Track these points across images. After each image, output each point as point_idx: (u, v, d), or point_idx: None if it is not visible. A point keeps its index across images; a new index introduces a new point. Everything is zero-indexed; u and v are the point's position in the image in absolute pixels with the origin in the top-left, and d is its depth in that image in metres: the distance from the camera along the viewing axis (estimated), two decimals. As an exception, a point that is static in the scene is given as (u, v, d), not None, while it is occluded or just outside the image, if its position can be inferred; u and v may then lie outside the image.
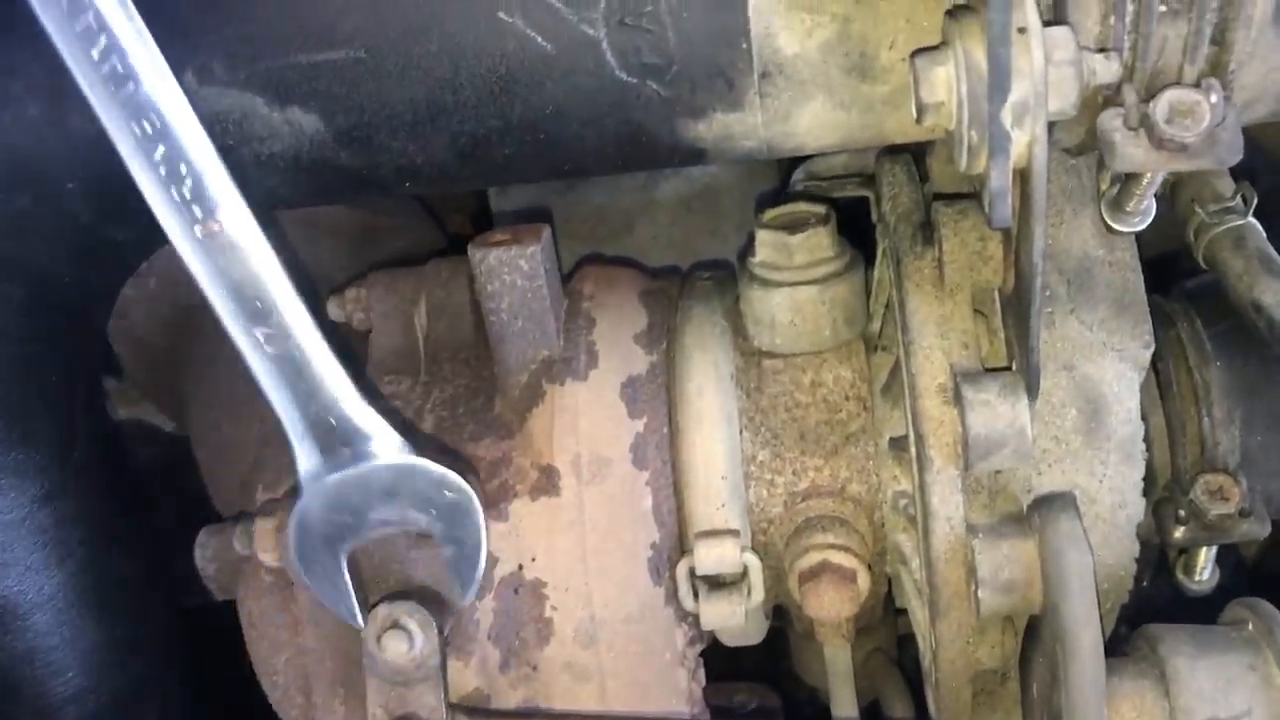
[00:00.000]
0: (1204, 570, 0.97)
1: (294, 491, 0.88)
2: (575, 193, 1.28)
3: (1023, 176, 0.68)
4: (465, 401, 1.00)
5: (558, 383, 0.95)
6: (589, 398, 0.95)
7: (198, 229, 0.76)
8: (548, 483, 0.93)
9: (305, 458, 0.81)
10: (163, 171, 0.75)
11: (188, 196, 0.76)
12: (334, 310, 1.12)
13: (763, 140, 0.81)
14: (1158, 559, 1.03)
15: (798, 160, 1.13)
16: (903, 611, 1.08)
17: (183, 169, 0.75)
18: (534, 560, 0.92)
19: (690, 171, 1.28)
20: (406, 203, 1.41)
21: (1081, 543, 0.78)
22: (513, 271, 0.94)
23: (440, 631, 0.86)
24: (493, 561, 0.92)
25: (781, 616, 1.11)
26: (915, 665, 1.13)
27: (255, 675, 1.10)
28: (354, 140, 0.81)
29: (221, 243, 0.77)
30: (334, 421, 0.80)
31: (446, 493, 0.83)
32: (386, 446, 0.81)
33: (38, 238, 0.89)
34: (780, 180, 1.26)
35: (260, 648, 0.98)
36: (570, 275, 1.05)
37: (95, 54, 0.72)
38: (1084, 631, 0.75)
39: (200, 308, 1.24)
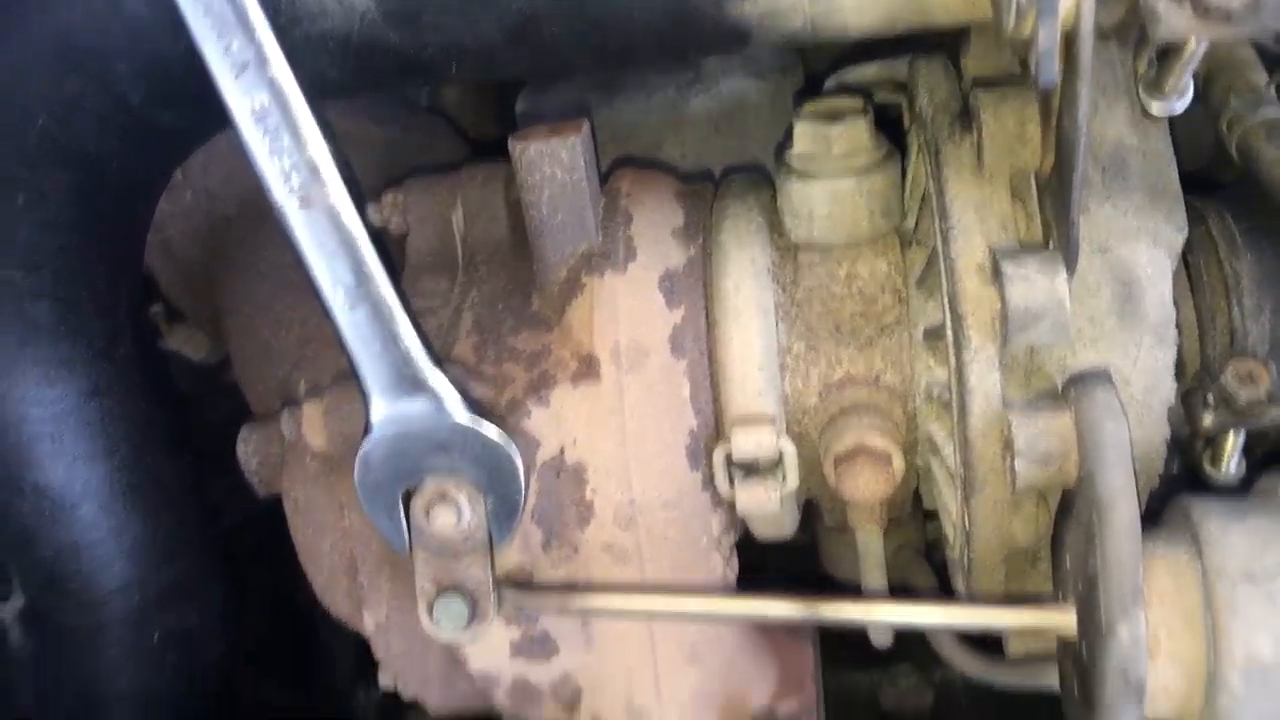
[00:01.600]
0: (1231, 460, 0.98)
1: (346, 391, 0.95)
2: (604, 110, 1.30)
3: (1068, 39, 0.69)
4: (504, 299, 1.02)
5: (597, 275, 0.97)
6: (627, 289, 0.96)
7: (297, 198, 0.84)
8: (588, 371, 0.95)
9: (378, 407, 0.88)
10: (268, 141, 0.83)
11: (288, 166, 0.84)
12: (373, 215, 1.14)
13: (807, 18, 0.82)
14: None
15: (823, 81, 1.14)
16: (932, 514, 1.11)
17: (285, 140, 0.83)
18: (575, 444, 0.94)
19: (719, 89, 1.29)
20: (433, 120, 1.42)
21: (1118, 413, 0.80)
22: (553, 164, 0.95)
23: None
24: (535, 445, 0.94)
25: (810, 517, 1.13)
26: (941, 567, 1.16)
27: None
28: (403, 19, 0.82)
29: (319, 210, 0.85)
30: (408, 378, 0.88)
31: (496, 455, 0.89)
32: (451, 406, 0.89)
33: (88, 122, 0.90)
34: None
35: (305, 534, 1.00)
36: (606, 175, 1.07)
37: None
38: (1120, 498, 0.77)
39: (237, 219, 1.29)
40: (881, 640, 1.11)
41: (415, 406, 0.88)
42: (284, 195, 0.84)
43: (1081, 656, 0.81)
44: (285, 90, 0.82)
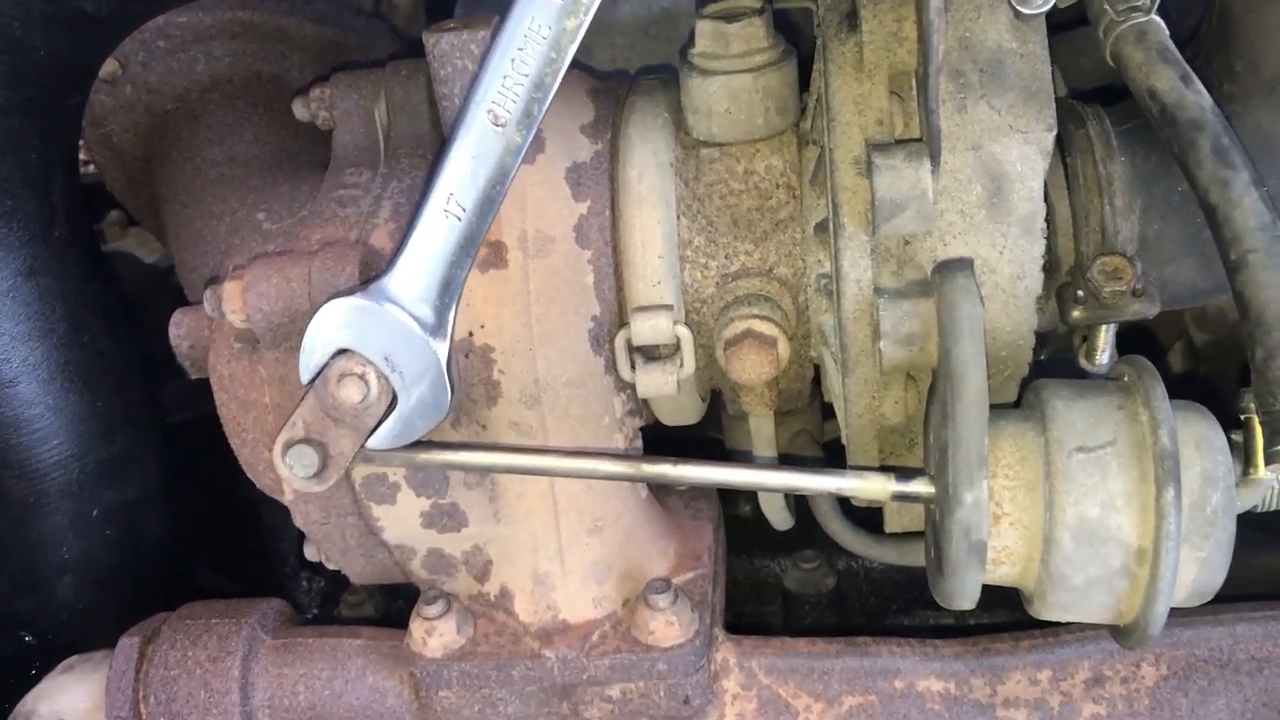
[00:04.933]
0: (1103, 353, 1.05)
1: (266, 269, 0.99)
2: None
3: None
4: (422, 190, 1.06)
5: (507, 165, 1.01)
6: (535, 180, 1.01)
7: (494, 115, 0.87)
8: (496, 257, 1.00)
9: (400, 284, 0.90)
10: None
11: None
12: (299, 110, 1.18)
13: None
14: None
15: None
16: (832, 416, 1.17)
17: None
18: (483, 327, 1.00)
19: (649, -4, 1.33)
20: (374, 23, 1.45)
21: (974, 296, 0.86)
22: (464, 56, 0.98)
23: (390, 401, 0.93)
24: (445, 327, 0.99)
25: (718, 406, 1.20)
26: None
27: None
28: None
29: (504, 137, 0.87)
30: (439, 293, 0.90)
31: (433, 397, 0.92)
32: (439, 343, 0.91)
33: (12, 9, 0.94)
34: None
35: (230, 408, 1.05)
36: (523, 74, 1.11)
37: None
38: (970, 372, 0.83)
39: (174, 114, 1.33)
40: (779, 522, 1.18)
41: (419, 310, 0.90)
42: (483, 104, 0.87)
43: (935, 523, 0.88)
44: None
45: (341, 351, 0.90)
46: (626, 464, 0.94)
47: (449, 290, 0.90)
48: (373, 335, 0.90)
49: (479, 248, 0.90)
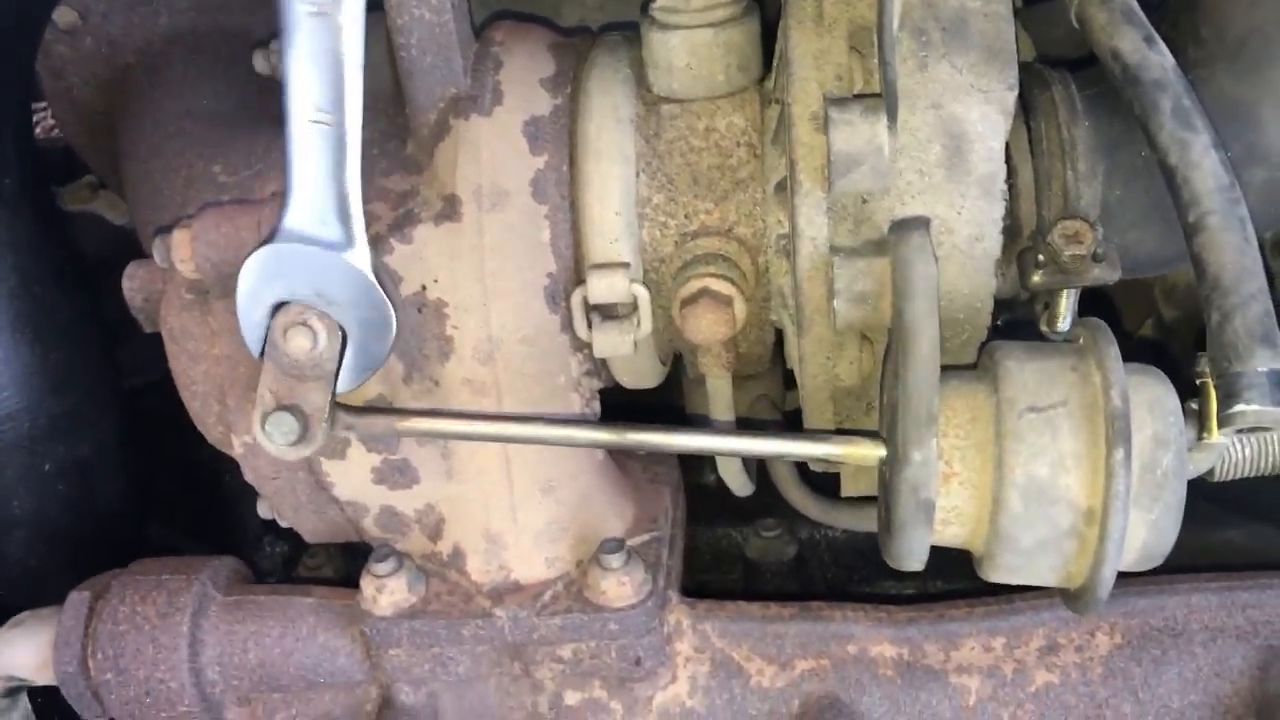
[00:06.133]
0: (1065, 319, 1.04)
1: (214, 219, 0.97)
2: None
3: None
4: (380, 143, 1.05)
5: (463, 118, 1.00)
6: (492, 133, 1.00)
7: (312, 4, 0.85)
8: (450, 210, 0.99)
9: (290, 219, 0.90)
10: None
11: None
12: (259, 63, 1.16)
13: None
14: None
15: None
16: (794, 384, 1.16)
17: None
18: (436, 282, 0.99)
19: (620, -43, 1.31)
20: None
21: (927, 255, 0.85)
22: (421, 5, 0.97)
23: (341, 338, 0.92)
24: (397, 281, 0.98)
25: (680, 371, 1.19)
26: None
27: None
28: None
29: (327, 22, 0.86)
30: (332, 209, 0.90)
31: (374, 306, 0.92)
32: (358, 250, 0.91)
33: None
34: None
35: (180, 360, 1.04)
36: (484, 27, 1.09)
37: None
38: (922, 330, 0.82)
39: (135, 67, 1.31)
40: (738, 488, 1.17)
41: (325, 233, 0.89)
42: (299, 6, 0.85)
43: (886, 482, 0.87)
44: None
45: (277, 307, 0.90)
46: (581, 429, 0.93)
47: (345, 198, 0.89)
48: (295, 278, 0.90)
49: (359, 145, 0.88)
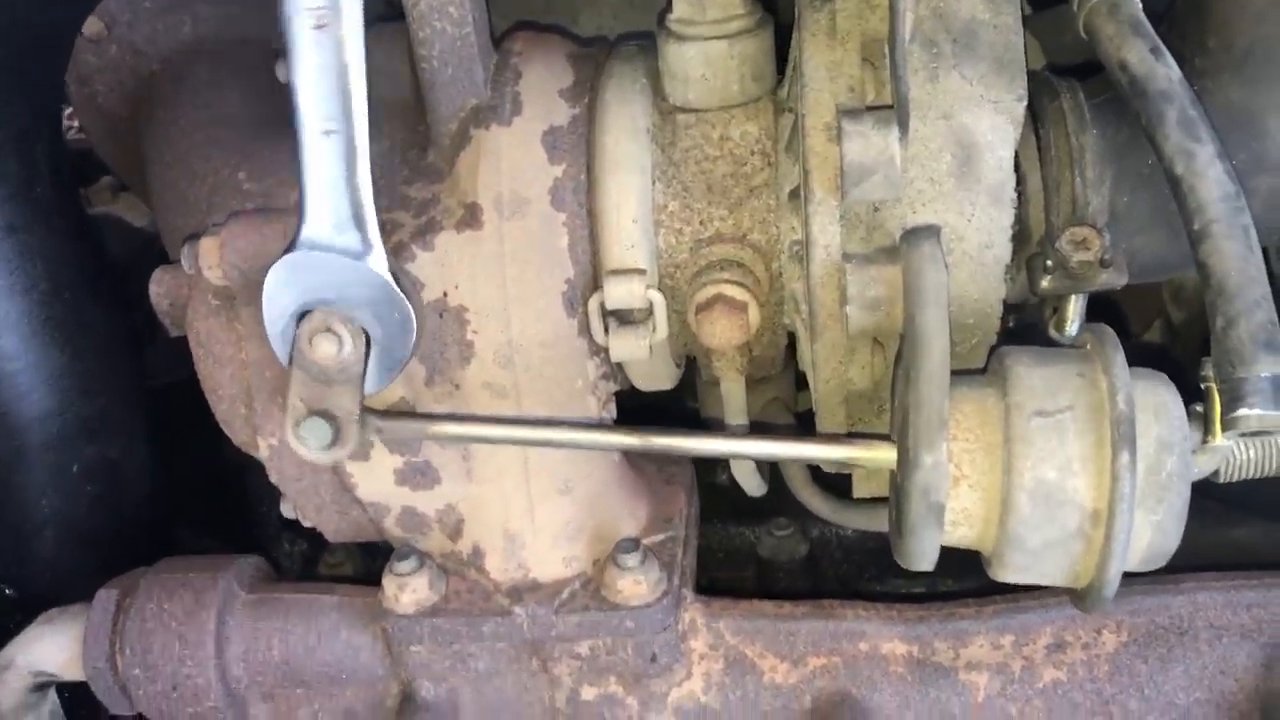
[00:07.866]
0: (1073, 324, 1.06)
1: (242, 226, 0.99)
2: (523, -16, 1.33)
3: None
4: (401, 152, 1.08)
5: (484, 127, 1.03)
6: (512, 142, 1.02)
7: (314, 18, 0.87)
8: (471, 218, 1.01)
9: (308, 229, 0.92)
10: None
11: None
12: (282, 71, 1.18)
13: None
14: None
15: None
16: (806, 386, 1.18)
17: None
18: (457, 288, 1.01)
19: (636, -35, 1.34)
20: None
21: (939, 262, 0.87)
22: (442, 18, 1.00)
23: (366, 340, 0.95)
24: (420, 287, 1.01)
25: (694, 375, 1.21)
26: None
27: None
28: None
29: (330, 36, 0.88)
30: (347, 215, 0.92)
31: (395, 309, 0.94)
32: (375, 255, 0.93)
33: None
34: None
35: (207, 365, 1.07)
36: (503, 37, 1.12)
37: None
38: (933, 336, 0.85)
39: (160, 76, 1.33)
40: (751, 488, 1.20)
41: (342, 240, 0.92)
42: (300, 13, 0.87)
43: (897, 485, 0.89)
44: None
45: (301, 315, 0.92)
46: (606, 433, 0.95)
47: (360, 205, 0.91)
48: (317, 285, 0.92)
49: (367, 152, 0.90)
